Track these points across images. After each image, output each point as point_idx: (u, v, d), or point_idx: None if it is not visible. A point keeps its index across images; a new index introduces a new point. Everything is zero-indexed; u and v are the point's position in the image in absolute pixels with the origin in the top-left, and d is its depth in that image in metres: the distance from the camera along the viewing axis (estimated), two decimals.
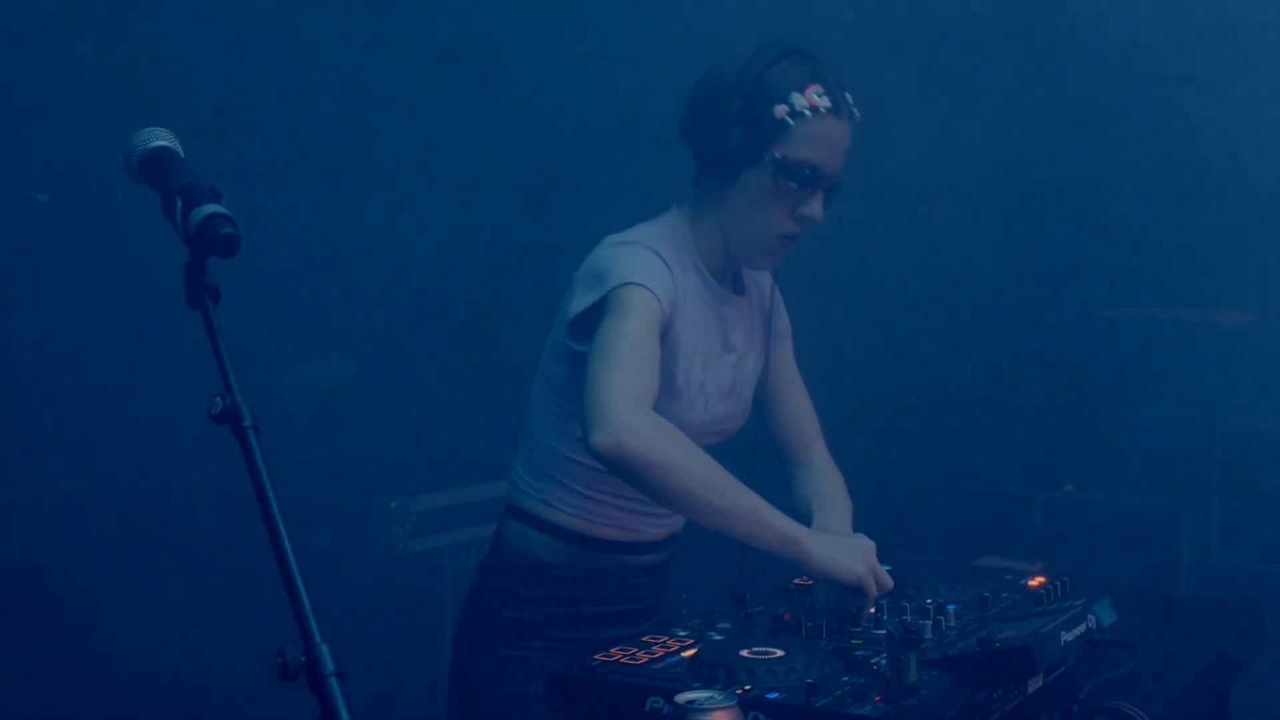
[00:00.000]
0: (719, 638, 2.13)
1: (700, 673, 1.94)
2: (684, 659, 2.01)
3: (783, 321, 2.63)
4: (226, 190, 1.66)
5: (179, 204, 1.64)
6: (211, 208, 1.61)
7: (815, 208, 2.31)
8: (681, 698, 1.70)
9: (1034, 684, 2.08)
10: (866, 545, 2.17)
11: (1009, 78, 5.55)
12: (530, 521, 2.41)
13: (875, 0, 5.55)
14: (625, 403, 2.08)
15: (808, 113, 2.26)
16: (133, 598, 4.74)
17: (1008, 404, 5.50)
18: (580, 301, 2.25)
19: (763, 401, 2.63)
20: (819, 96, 2.27)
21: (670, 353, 2.27)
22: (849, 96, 2.34)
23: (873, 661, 1.99)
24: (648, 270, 2.23)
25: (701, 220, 2.38)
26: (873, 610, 2.19)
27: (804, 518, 2.53)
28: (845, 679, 1.91)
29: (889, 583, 2.16)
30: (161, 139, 1.76)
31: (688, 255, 2.36)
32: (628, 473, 2.10)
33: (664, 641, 2.11)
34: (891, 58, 5.51)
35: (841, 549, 2.13)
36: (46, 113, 4.79)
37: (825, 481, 2.59)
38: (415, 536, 4.42)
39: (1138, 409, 5.32)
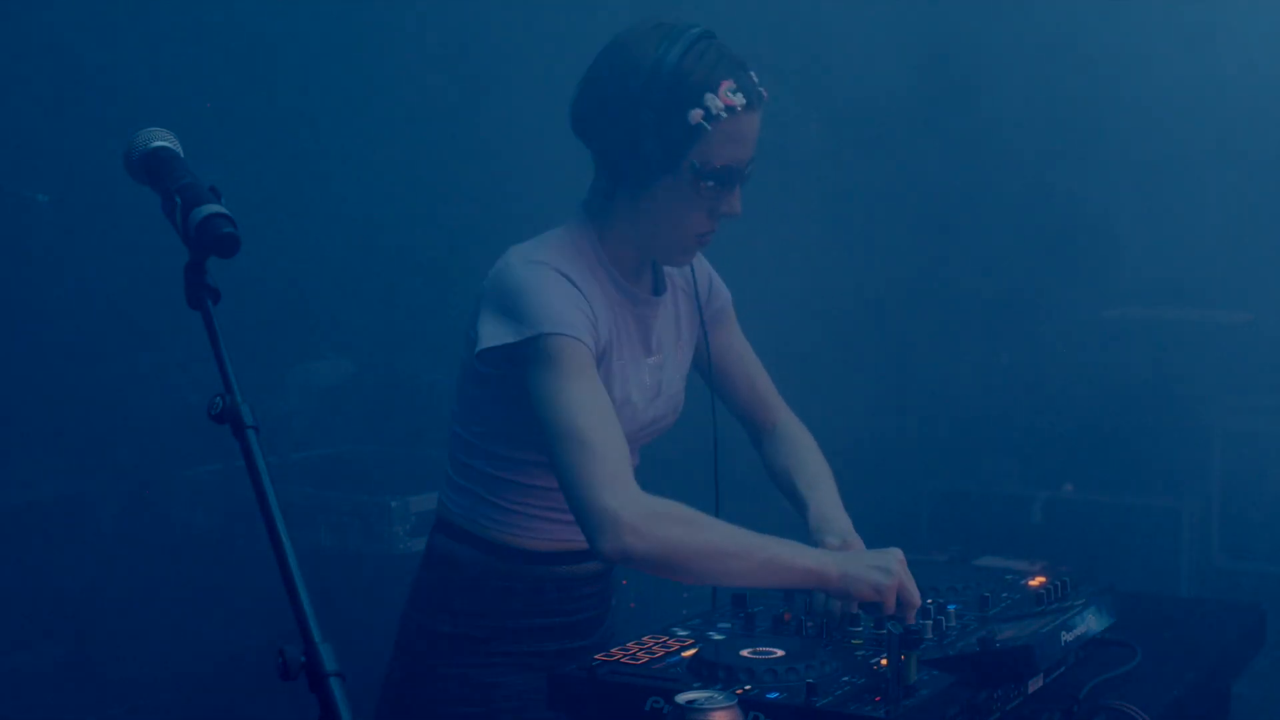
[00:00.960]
0: (719, 638, 2.13)
1: (700, 673, 1.94)
2: (684, 659, 2.01)
3: (721, 299, 2.54)
4: (226, 190, 1.66)
5: (179, 204, 1.64)
6: (211, 208, 1.61)
7: (734, 204, 2.23)
8: (681, 698, 1.70)
9: (1034, 684, 2.08)
10: (893, 557, 2.11)
11: (1009, 78, 5.55)
12: (461, 538, 2.32)
13: (878, 5, 5.55)
14: (618, 498, 2.02)
15: (724, 114, 2.14)
16: (133, 598, 4.74)
17: (1008, 404, 5.51)
18: (492, 332, 2.14)
19: (717, 381, 2.55)
20: (733, 94, 2.15)
21: (603, 379, 2.19)
22: (754, 76, 2.21)
23: (873, 661, 1.99)
24: (565, 309, 2.12)
25: (611, 228, 2.27)
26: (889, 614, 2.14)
27: (788, 495, 2.51)
28: (845, 679, 1.91)
29: (915, 598, 2.10)
30: (161, 139, 1.76)
31: (599, 265, 2.26)
32: (641, 569, 2.07)
33: (664, 641, 2.11)
34: (891, 59, 5.52)
35: (863, 566, 2.09)
36: (46, 113, 4.79)
37: (801, 449, 2.54)
38: (415, 536, 4.42)
39: (1137, 409, 5.32)
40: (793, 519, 2.43)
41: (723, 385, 2.58)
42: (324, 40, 5.38)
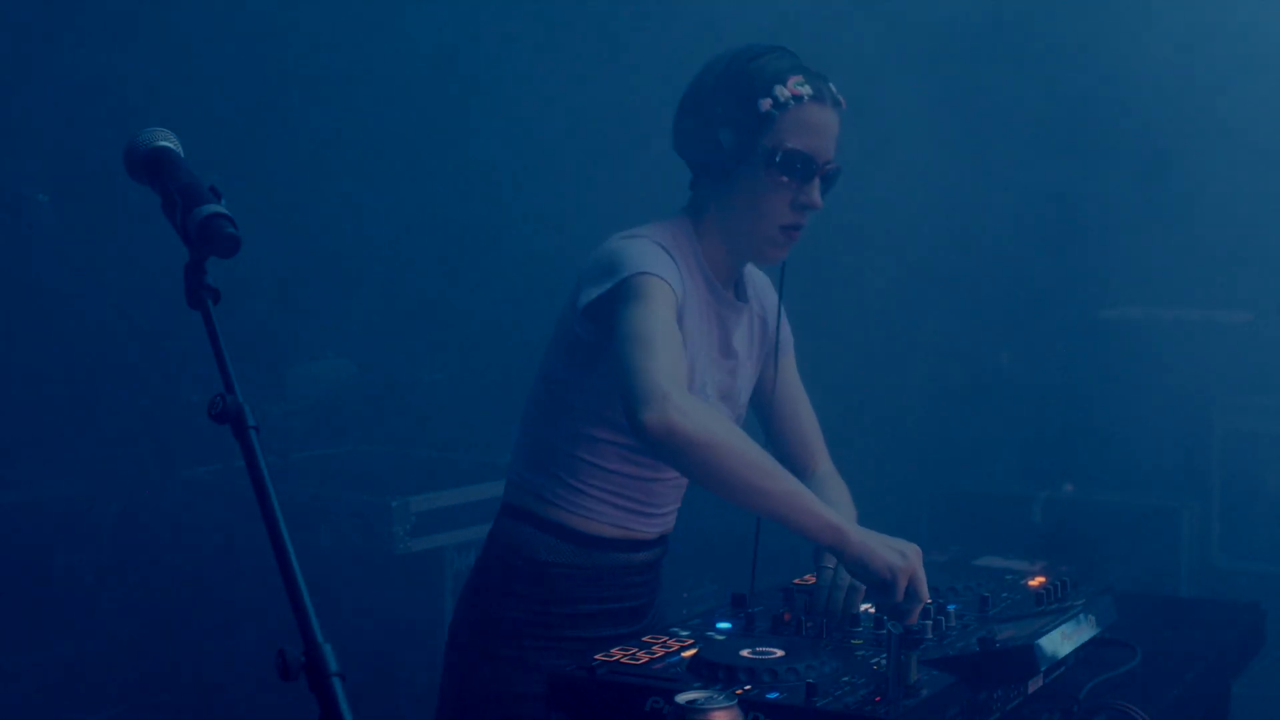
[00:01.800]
0: (719, 638, 2.13)
1: (700, 673, 1.94)
2: (684, 659, 2.01)
3: (786, 333, 2.64)
4: (226, 190, 1.66)
5: (179, 204, 1.64)
6: (212, 207, 1.61)
7: (813, 196, 2.34)
8: (681, 698, 1.70)
9: (1034, 684, 2.09)
10: (911, 547, 2.13)
11: (1009, 78, 5.55)
12: (527, 519, 2.40)
13: (879, 7, 5.55)
14: (671, 383, 2.08)
15: (791, 102, 2.29)
16: (133, 598, 4.75)
17: (1008, 404, 5.51)
18: (591, 290, 2.25)
19: (768, 412, 2.64)
20: (800, 85, 2.31)
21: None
22: (832, 86, 2.37)
23: (873, 661, 1.99)
24: (659, 261, 2.24)
25: (704, 225, 2.39)
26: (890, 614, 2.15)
27: None
28: (845, 679, 1.91)
29: (924, 592, 2.11)
30: (162, 139, 1.76)
31: (693, 257, 2.37)
32: (675, 451, 2.07)
33: (664, 641, 2.11)
34: (891, 61, 5.52)
35: (882, 543, 2.11)
36: (46, 113, 4.79)
37: (832, 489, 2.59)
38: (415, 536, 4.43)
39: (1138, 409, 5.32)
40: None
41: (773, 420, 2.66)
42: (324, 40, 5.38)
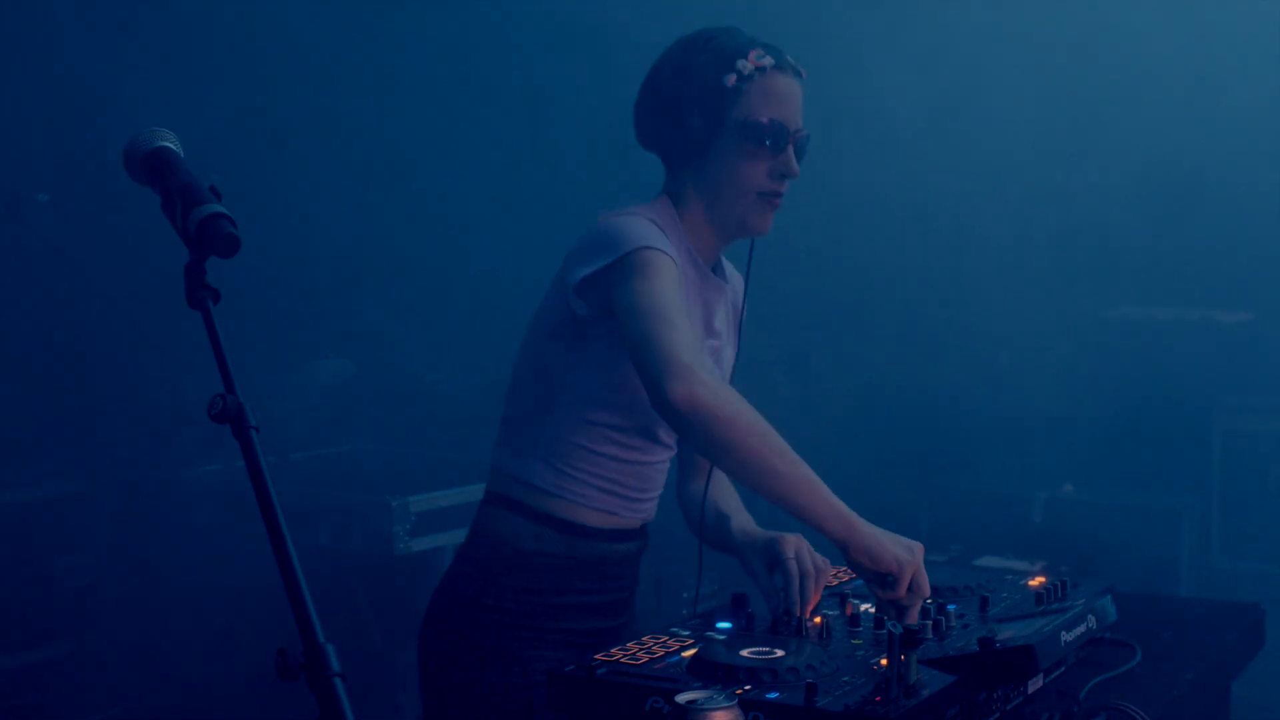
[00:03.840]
0: (719, 638, 2.13)
1: (700, 673, 1.94)
2: (684, 659, 2.01)
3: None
4: (226, 190, 1.66)
5: (179, 204, 1.64)
6: (212, 207, 1.61)
7: (790, 163, 2.38)
8: (681, 698, 1.70)
9: (1034, 684, 2.09)
10: (915, 545, 2.16)
11: (1009, 79, 5.55)
12: (515, 509, 2.40)
13: (880, 7, 5.55)
14: (694, 356, 2.09)
15: (756, 74, 2.34)
16: (133, 597, 4.74)
17: (1008, 404, 5.50)
18: (588, 266, 2.24)
19: None
20: (761, 57, 2.35)
21: None
22: (789, 57, 2.41)
23: (873, 661, 1.99)
24: (657, 236, 2.26)
25: (684, 207, 2.42)
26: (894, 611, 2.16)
27: (710, 519, 2.55)
28: (845, 679, 1.91)
29: (926, 588, 2.13)
30: (162, 139, 1.76)
31: (677, 236, 2.39)
32: (698, 424, 2.07)
33: (664, 641, 2.11)
34: (892, 62, 5.52)
35: (889, 537, 2.13)
36: (46, 113, 4.79)
37: (729, 491, 2.60)
38: (415, 536, 4.42)
39: (1137, 409, 5.32)
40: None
41: None
42: (325, 41, 5.38)
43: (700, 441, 2.14)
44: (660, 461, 2.46)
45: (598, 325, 2.28)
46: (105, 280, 4.82)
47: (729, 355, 2.54)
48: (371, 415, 5.55)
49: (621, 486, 2.40)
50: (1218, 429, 5.26)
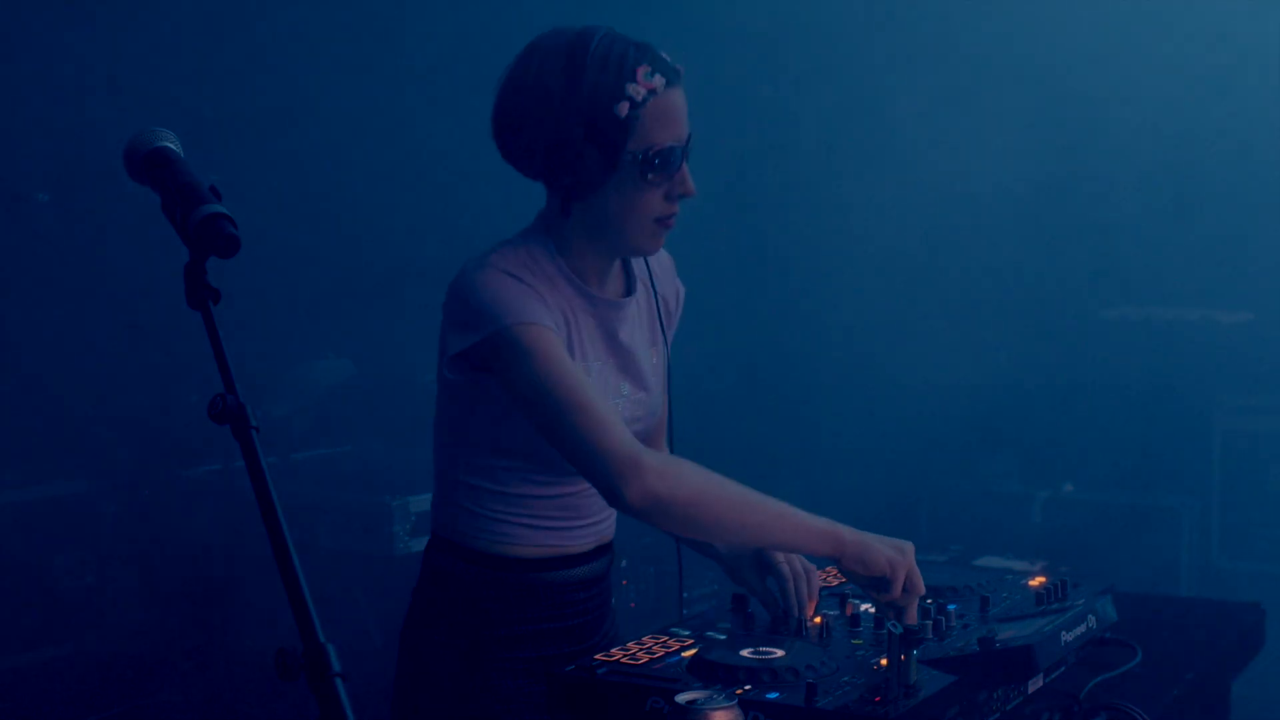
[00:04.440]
0: (719, 638, 2.13)
1: (700, 673, 1.94)
2: (684, 659, 2.01)
3: (680, 308, 2.53)
4: (226, 190, 1.66)
5: (179, 204, 1.63)
6: (212, 208, 1.61)
7: (686, 183, 2.23)
8: (681, 698, 1.70)
9: (1034, 684, 2.09)
10: (906, 544, 2.14)
11: (1009, 79, 5.55)
12: (452, 550, 2.32)
13: (880, 7, 5.55)
14: (632, 449, 2.04)
15: (648, 97, 2.15)
16: (133, 597, 4.75)
17: (1008, 404, 5.50)
18: (456, 339, 2.15)
19: None
20: (650, 76, 2.15)
21: None
22: (666, 56, 2.22)
23: (873, 661, 1.99)
24: (519, 300, 2.13)
25: (568, 240, 2.27)
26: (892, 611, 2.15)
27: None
28: (845, 679, 1.91)
29: (920, 586, 2.12)
30: (162, 139, 1.76)
31: (555, 270, 2.25)
32: (663, 518, 2.06)
33: (664, 641, 2.11)
34: (893, 62, 5.52)
35: (878, 540, 2.12)
36: (47, 113, 4.79)
37: None
38: (415, 536, 4.43)
39: (1138, 409, 5.32)
40: None
41: None
42: (325, 41, 5.38)
43: (667, 529, 2.13)
44: (586, 489, 2.29)
45: (474, 389, 2.19)
46: (105, 280, 4.82)
47: (648, 360, 2.40)
48: (371, 415, 5.55)
49: (551, 520, 2.28)
50: (1218, 429, 5.26)
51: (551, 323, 2.16)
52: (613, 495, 2.05)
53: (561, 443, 2.10)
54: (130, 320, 4.79)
